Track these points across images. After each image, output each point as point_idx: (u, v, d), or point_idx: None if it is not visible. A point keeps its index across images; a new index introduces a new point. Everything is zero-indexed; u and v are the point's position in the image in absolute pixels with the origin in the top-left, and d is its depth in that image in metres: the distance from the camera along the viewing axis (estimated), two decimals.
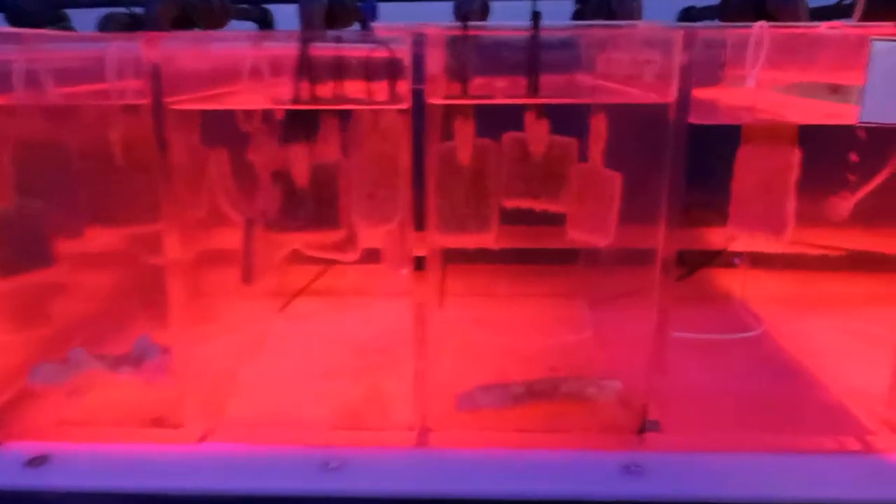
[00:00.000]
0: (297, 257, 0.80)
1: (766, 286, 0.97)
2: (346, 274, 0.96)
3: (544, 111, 0.70)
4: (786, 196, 0.65)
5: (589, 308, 0.93)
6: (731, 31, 0.67)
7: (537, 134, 0.70)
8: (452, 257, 0.95)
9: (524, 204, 0.72)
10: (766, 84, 0.75)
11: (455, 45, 0.69)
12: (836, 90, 0.70)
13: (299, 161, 0.65)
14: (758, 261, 0.96)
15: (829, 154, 0.89)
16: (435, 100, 0.58)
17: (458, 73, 0.68)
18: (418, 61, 0.57)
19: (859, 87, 0.58)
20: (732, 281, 0.98)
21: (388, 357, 0.77)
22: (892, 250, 0.89)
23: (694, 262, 0.96)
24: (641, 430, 0.64)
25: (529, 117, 0.70)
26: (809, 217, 0.93)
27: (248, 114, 0.68)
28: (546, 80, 0.68)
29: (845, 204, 0.90)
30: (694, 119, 0.58)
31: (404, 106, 0.57)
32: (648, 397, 0.64)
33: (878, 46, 0.56)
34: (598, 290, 0.92)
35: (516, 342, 0.82)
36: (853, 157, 0.87)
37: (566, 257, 0.97)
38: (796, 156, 0.65)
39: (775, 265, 0.95)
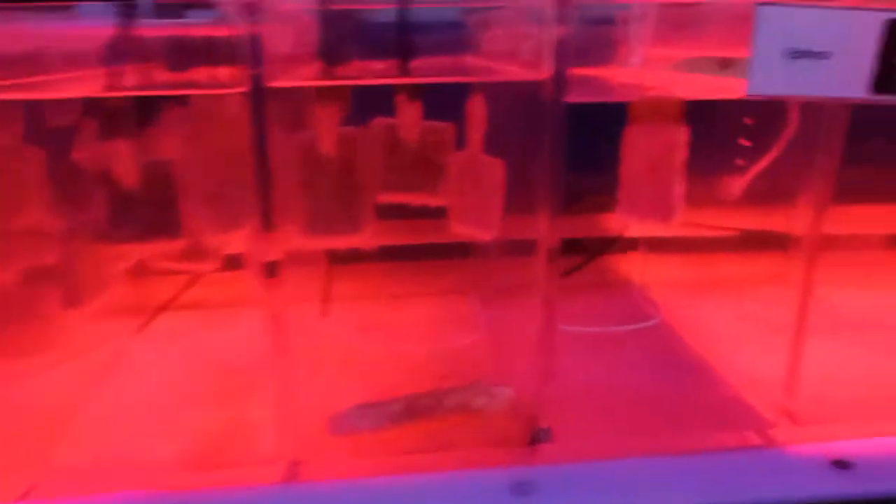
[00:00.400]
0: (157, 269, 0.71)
1: (664, 271, 0.94)
2: (220, 284, 0.86)
3: (416, 94, 0.63)
4: (673, 177, 0.60)
5: (484, 305, 0.87)
6: (614, 2, 0.62)
7: (409, 119, 0.62)
8: (340, 258, 0.88)
9: (400, 198, 0.65)
10: (659, 62, 0.71)
11: (316, 22, 0.61)
12: (726, 65, 0.67)
13: (129, 158, 0.55)
14: (654, 245, 0.93)
15: (721, 134, 0.86)
16: (276, 83, 0.50)
17: (320, 53, 0.61)
18: (258, 39, 0.49)
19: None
20: (630, 267, 0.95)
21: (258, 378, 0.68)
22: (785, 229, 0.88)
23: (592, 251, 0.92)
24: (532, 442, 0.58)
25: (400, 101, 0.63)
26: (703, 198, 0.91)
27: (62, 104, 0.58)
28: (420, 61, 0.61)
29: (738, 183, 0.88)
30: (572, 97, 0.53)
31: (241, 90, 0.49)
32: (539, 403, 0.59)
33: (764, 12, 0.51)
34: (494, 285, 0.87)
35: (403, 349, 0.75)
36: (742, 140, 0.85)
37: (461, 251, 0.91)
38: (683, 134, 0.61)
39: (672, 248, 0.93)
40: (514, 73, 0.58)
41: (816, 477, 0.57)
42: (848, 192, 0.93)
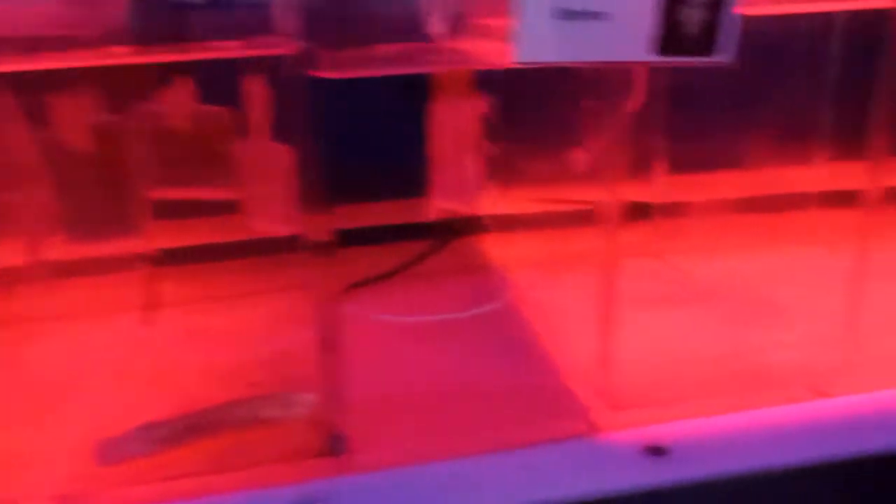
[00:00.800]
0: None
1: (526, 250, 0.91)
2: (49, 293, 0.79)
3: (184, 76, 0.57)
4: (469, 152, 0.56)
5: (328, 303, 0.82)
6: None
7: (177, 104, 0.56)
8: (175, 257, 0.81)
9: (178, 194, 0.59)
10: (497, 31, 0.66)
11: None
12: None
13: None
14: (506, 223, 0.89)
15: (565, 107, 0.83)
16: None
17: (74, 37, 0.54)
18: None
19: None
20: (487, 248, 0.90)
21: (50, 400, 0.61)
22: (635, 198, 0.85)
23: (443, 234, 0.88)
24: (329, 452, 0.53)
25: (166, 85, 0.56)
26: (554, 173, 0.88)
27: None
28: (195, 44, 0.55)
29: (584, 156, 0.84)
30: (329, 73, 0.47)
31: None
32: (337, 408, 0.54)
33: None
34: (335, 280, 0.81)
35: (219, 357, 0.69)
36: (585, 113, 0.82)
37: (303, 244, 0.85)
38: (478, 107, 0.56)
39: (533, 226, 0.89)
40: (274, 48, 0.52)
41: (630, 465, 0.54)
42: (699, 159, 0.91)
